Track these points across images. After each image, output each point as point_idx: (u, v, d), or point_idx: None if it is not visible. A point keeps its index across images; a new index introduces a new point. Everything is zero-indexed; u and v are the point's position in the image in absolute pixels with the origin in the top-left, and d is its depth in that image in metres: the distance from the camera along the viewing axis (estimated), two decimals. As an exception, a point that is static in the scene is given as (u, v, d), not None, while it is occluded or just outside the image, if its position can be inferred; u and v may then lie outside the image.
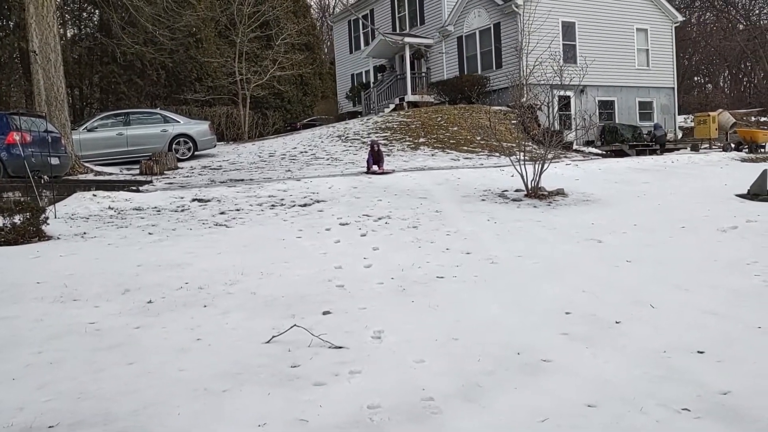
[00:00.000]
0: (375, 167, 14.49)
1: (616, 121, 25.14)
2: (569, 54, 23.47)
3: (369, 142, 17.03)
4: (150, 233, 9.18)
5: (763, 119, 33.50)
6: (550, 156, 12.31)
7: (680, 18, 29.01)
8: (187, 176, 15.42)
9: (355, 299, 5.89)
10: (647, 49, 26.92)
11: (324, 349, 4.59)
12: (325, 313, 5.48)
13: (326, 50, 46.74)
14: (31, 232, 8.72)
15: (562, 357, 4.39)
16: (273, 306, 5.71)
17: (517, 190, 11.97)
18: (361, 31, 32.93)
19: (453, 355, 4.47)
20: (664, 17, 27.47)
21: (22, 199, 9.80)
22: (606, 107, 25.76)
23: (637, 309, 5.44)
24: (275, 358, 4.43)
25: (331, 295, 6.06)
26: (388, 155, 17.04)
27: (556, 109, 13.99)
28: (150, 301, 5.87)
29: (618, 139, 22.52)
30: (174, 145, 18.29)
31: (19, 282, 6.56)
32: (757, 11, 48.46)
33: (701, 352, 4.42)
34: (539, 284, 6.32)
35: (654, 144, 22.20)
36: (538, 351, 4.50)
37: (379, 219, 9.85)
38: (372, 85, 30.38)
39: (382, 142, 18.46)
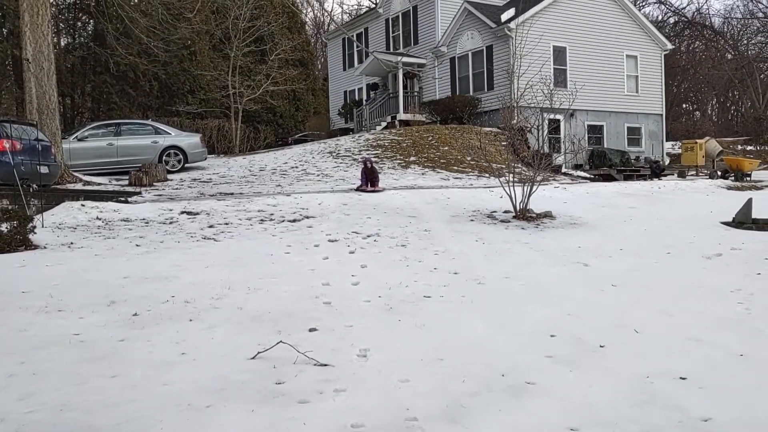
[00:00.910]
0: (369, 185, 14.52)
1: (605, 146, 25.43)
2: (560, 78, 23.75)
3: (360, 160, 17.09)
4: (137, 245, 9.15)
5: (749, 148, 33.92)
6: (539, 178, 12.41)
7: (670, 46, 29.45)
8: (177, 188, 15.39)
9: (342, 317, 5.90)
10: (636, 76, 27.28)
11: (309, 366, 4.59)
12: (311, 330, 5.48)
13: (320, 66, 46.98)
14: (18, 241, 8.67)
15: (546, 380, 4.42)
16: (259, 321, 5.70)
17: (505, 212, 12.04)
18: (355, 49, 33.18)
19: (438, 375, 4.48)
20: (654, 45, 27.87)
21: (9, 207, 9.74)
22: (595, 132, 26.05)
23: (622, 333, 5.48)
24: (260, 375, 4.42)
25: (318, 311, 6.06)
26: (378, 173, 17.08)
27: (545, 132, 14.13)
28: (136, 314, 5.85)
29: (606, 164, 22.73)
30: (164, 157, 18.28)
31: (4, 291, 6.52)
32: (745, 41, 49.34)
33: (684, 378, 4.46)
34: (525, 306, 6.35)
35: (655, 170, 22.46)
36: (523, 373, 4.52)
37: (368, 237, 9.87)
38: (364, 102, 30.56)
39: (374, 159, 18.53)
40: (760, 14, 47.21)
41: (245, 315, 5.89)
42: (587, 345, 5.17)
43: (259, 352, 4.78)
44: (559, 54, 24.94)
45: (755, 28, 48.65)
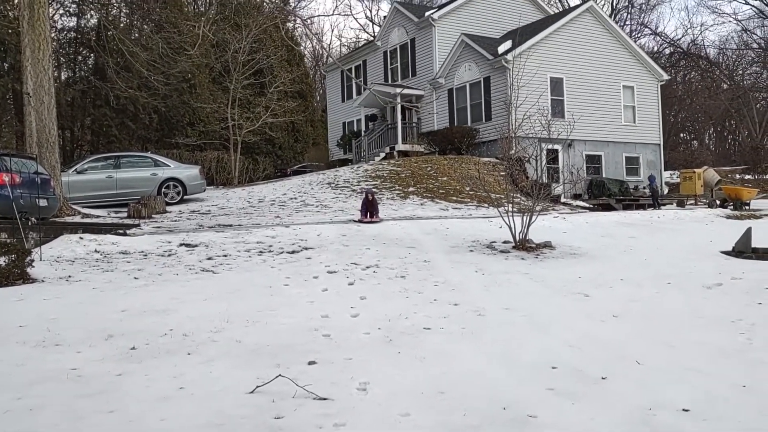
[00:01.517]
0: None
1: (603, 176, 25.55)
2: (557, 108, 23.98)
3: (361, 191, 17.13)
4: (136, 278, 9.12)
5: (747, 177, 34.08)
6: (538, 208, 12.42)
7: (666, 76, 29.77)
8: (176, 220, 15.39)
9: (341, 349, 5.85)
10: (634, 106, 27.52)
11: (309, 400, 4.54)
12: (310, 363, 5.43)
13: (318, 98, 47.38)
14: (16, 275, 8.64)
15: (548, 412, 4.37)
16: (258, 355, 5.66)
17: (505, 242, 12.03)
18: (353, 81, 33.49)
19: (439, 409, 4.44)
20: (650, 75, 28.17)
21: (8, 240, 9.73)
22: (593, 161, 26.18)
23: (623, 365, 5.44)
24: (259, 409, 4.37)
25: (317, 344, 6.01)
26: (378, 204, 17.11)
27: (544, 162, 14.21)
28: (133, 348, 5.80)
29: (605, 193, 22.82)
30: (163, 189, 18.33)
31: (1, 325, 6.47)
32: (740, 72, 49.90)
33: (686, 410, 4.41)
34: (526, 337, 6.31)
35: (656, 197, 22.48)
36: (524, 406, 4.47)
37: (367, 268, 9.84)
38: (363, 133, 30.76)
39: (373, 190, 18.57)
40: (755, 45, 47.86)
41: (244, 348, 5.85)
42: (588, 377, 5.12)
43: (257, 386, 4.74)
44: (557, 85, 25.19)
45: (750, 58, 49.31)
